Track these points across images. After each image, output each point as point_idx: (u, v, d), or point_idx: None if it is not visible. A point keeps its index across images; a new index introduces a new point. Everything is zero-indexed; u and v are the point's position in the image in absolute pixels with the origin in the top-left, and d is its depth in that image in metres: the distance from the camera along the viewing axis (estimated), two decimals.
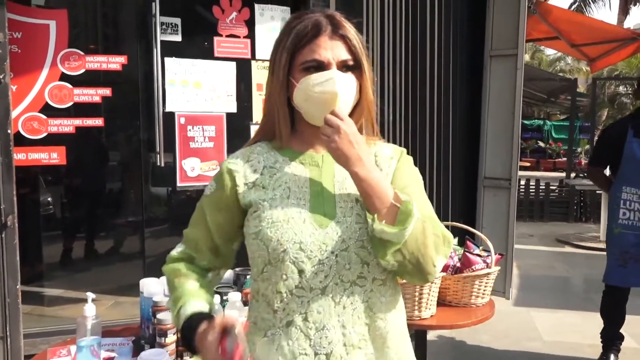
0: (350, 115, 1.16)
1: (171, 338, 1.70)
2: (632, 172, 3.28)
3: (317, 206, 1.13)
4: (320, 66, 1.13)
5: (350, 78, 1.15)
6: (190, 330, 1.08)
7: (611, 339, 3.53)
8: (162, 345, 1.69)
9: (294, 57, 1.14)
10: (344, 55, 1.15)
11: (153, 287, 1.86)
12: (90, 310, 1.70)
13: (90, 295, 1.73)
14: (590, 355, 3.62)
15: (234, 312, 1.83)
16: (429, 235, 1.07)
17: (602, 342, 3.56)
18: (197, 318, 1.10)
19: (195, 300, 1.16)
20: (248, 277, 2.06)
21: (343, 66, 1.15)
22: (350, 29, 1.17)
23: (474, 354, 3.69)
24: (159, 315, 1.73)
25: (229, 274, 2.08)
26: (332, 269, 1.09)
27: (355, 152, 1.06)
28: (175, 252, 1.31)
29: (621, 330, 3.54)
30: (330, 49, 1.13)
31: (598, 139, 3.93)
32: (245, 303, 1.97)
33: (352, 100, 1.16)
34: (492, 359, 3.61)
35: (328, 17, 1.16)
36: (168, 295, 1.85)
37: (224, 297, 1.88)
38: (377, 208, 1.06)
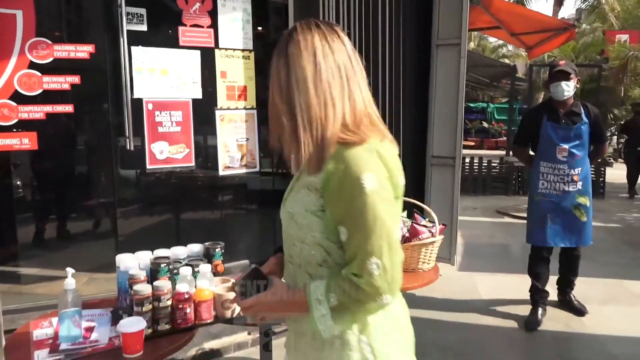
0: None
1: (147, 307, 1.75)
2: (547, 149, 3.60)
3: (285, 199, 1.28)
4: None
5: None
6: None
7: (538, 294, 3.75)
8: (140, 314, 1.73)
9: None
10: None
11: (129, 262, 1.90)
12: (70, 283, 1.73)
13: (70, 270, 1.76)
14: (522, 310, 3.85)
15: (205, 282, 1.89)
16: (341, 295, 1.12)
17: (530, 298, 3.79)
18: None
19: None
20: (217, 250, 2.12)
21: None
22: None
23: (423, 311, 3.87)
24: (136, 287, 1.77)
25: (199, 247, 2.13)
26: (284, 238, 1.27)
27: (268, 313, 1.25)
28: None
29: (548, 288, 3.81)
30: None
31: (520, 122, 4.21)
32: (214, 274, 2.03)
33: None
34: (439, 316, 3.79)
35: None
36: (143, 268, 1.90)
37: (196, 269, 1.94)
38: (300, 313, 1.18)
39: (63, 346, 1.68)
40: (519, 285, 4.40)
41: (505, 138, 14.80)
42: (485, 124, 20.98)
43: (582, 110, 3.59)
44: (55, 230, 3.84)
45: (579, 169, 3.58)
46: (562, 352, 3.29)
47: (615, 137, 15.53)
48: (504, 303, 4.04)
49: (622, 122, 6.49)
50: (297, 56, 1.15)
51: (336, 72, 1.16)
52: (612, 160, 13.76)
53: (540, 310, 3.72)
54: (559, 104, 3.59)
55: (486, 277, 4.66)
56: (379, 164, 1.12)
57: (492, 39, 23.52)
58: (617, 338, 3.43)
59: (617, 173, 12.26)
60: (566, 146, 3.56)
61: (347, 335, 1.16)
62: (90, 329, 1.79)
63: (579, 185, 3.59)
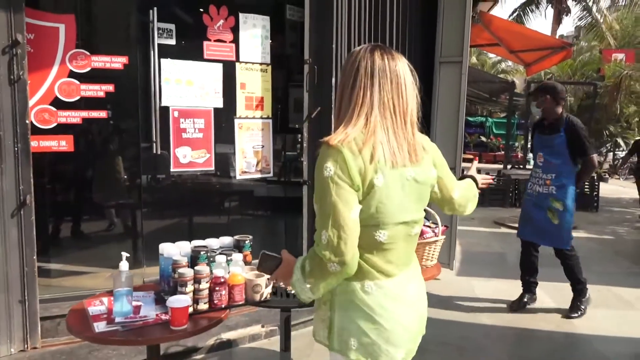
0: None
1: (190, 288, 2.01)
2: (534, 155, 4.19)
3: None
4: None
5: None
6: None
7: (524, 280, 4.21)
8: (183, 294, 2.00)
9: None
10: None
11: (172, 250, 2.16)
12: (124, 265, 1.99)
13: (125, 254, 2.01)
14: (517, 312, 4.12)
15: (238, 268, 2.16)
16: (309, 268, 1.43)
17: (522, 286, 4.25)
18: None
19: None
20: (246, 242, 2.38)
21: None
22: None
23: None
24: (180, 270, 2.03)
25: (230, 239, 2.40)
26: None
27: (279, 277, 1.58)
28: None
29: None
30: None
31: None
32: (246, 263, 2.30)
33: None
34: (439, 315, 4.04)
35: None
36: (184, 256, 2.17)
37: (229, 258, 2.20)
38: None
39: (118, 319, 1.94)
40: (514, 289, 4.66)
41: (503, 152, 15.10)
42: (483, 138, 21.29)
43: (564, 123, 3.91)
44: (86, 228, 4.11)
45: (552, 175, 3.93)
46: (553, 350, 3.54)
47: (611, 153, 15.87)
48: (499, 305, 4.29)
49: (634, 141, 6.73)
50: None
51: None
52: (607, 176, 14.09)
53: (527, 296, 4.19)
54: (545, 117, 4.04)
55: (483, 281, 4.92)
56: (338, 159, 1.36)
57: (492, 55, 23.95)
58: (605, 338, 3.68)
59: (611, 188, 12.58)
60: (541, 153, 4.01)
61: (321, 304, 1.55)
62: (138, 307, 2.05)
63: (552, 189, 3.93)
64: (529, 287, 4.22)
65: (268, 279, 1.57)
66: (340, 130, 1.41)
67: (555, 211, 3.94)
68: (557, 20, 20.64)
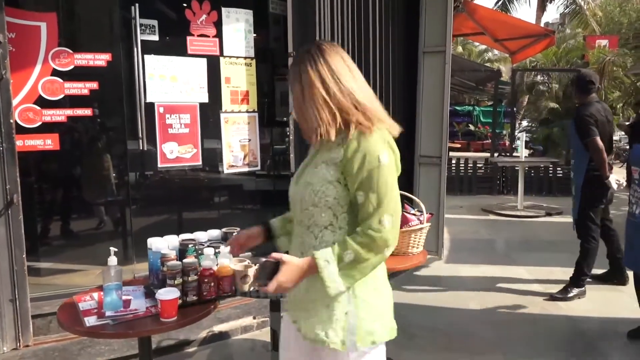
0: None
1: (178, 280, 2.04)
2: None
3: (301, 172, 1.61)
4: None
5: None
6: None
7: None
8: (172, 286, 2.03)
9: None
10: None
11: (160, 244, 2.19)
12: (113, 261, 2.01)
13: (113, 249, 2.03)
14: (503, 297, 4.19)
15: (226, 260, 2.20)
16: (354, 253, 1.42)
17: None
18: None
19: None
20: (234, 234, 2.41)
21: None
22: (293, 65, 1.55)
23: (412, 297, 4.20)
24: (168, 264, 2.06)
25: (218, 232, 2.43)
26: (294, 209, 1.60)
27: (286, 287, 1.46)
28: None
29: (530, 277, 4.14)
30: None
31: None
32: (233, 255, 2.33)
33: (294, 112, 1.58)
34: (427, 301, 4.12)
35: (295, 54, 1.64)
36: (172, 249, 2.20)
37: (217, 250, 2.24)
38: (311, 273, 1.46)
39: (108, 313, 1.97)
40: (500, 275, 4.76)
41: (490, 140, 15.22)
42: (471, 127, 21.42)
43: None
44: (74, 226, 4.12)
45: (573, 161, 4.16)
46: (538, 330, 3.63)
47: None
48: (487, 291, 4.38)
49: (629, 124, 6.38)
50: (331, 66, 1.50)
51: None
52: None
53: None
54: None
55: (471, 268, 5.00)
56: (388, 147, 1.50)
57: (478, 44, 24.05)
58: (588, 318, 3.78)
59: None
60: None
61: (333, 302, 1.47)
62: (128, 301, 2.08)
63: None
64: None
65: (263, 286, 1.45)
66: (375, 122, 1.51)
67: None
68: (542, 8, 20.77)
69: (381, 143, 1.47)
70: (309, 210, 1.52)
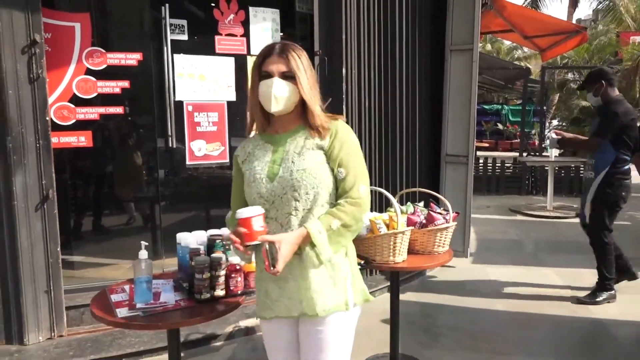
0: (300, 109, 1.68)
1: (207, 275, 2.09)
2: None
3: (271, 169, 1.68)
4: (269, 75, 1.63)
5: (283, 83, 1.62)
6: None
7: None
8: (201, 281, 2.08)
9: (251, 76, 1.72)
10: (283, 68, 1.63)
11: (188, 239, 2.24)
12: (143, 254, 2.07)
13: (144, 242, 2.09)
14: (529, 298, 4.14)
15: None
16: (343, 220, 1.63)
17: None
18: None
19: None
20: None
21: (283, 76, 1.63)
22: (293, 52, 1.64)
23: (439, 297, 4.18)
24: (197, 258, 2.11)
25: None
26: (276, 204, 1.65)
27: (286, 256, 1.58)
28: (227, 216, 1.89)
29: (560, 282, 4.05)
30: (275, 64, 1.63)
31: None
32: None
33: (285, 98, 1.63)
34: (452, 301, 4.10)
35: (281, 44, 1.66)
36: (200, 244, 2.24)
37: None
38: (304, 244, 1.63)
39: (139, 305, 2.03)
40: (527, 276, 4.69)
41: (519, 140, 14.98)
42: (500, 126, 21.10)
43: (601, 110, 3.98)
44: (105, 221, 4.25)
45: (594, 159, 3.98)
46: (564, 333, 3.57)
47: None
48: (513, 292, 4.33)
49: None
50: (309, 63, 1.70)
51: None
52: None
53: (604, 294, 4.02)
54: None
55: (497, 268, 4.94)
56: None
57: (507, 42, 23.66)
58: (620, 322, 3.70)
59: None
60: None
61: (336, 259, 1.68)
62: (157, 294, 2.14)
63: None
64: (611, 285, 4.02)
65: (276, 267, 1.57)
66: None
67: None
68: (573, 4, 20.29)
69: (349, 127, 1.74)
70: (309, 194, 1.63)
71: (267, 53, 1.66)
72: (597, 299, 3.99)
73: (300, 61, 1.64)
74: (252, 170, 1.70)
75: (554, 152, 8.40)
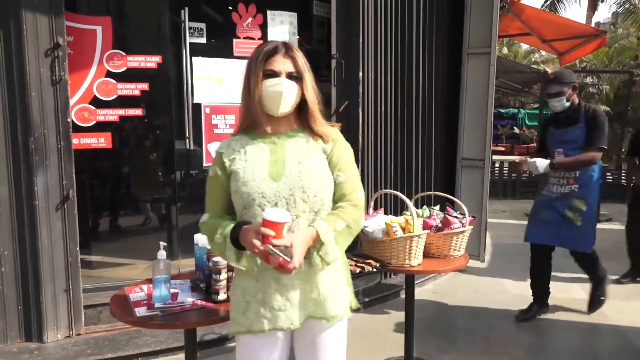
0: (297, 110, 1.66)
1: (224, 275, 2.11)
2: (548, 153, 3.72)
3: (273, 169, 1.60)
4: (274, 74, 1.58)
5: (292, 84, 1.60)
6: (238, 226, 1.56)
7: (537, 292, 3.84)
8: (217, 281, 2.10)
9: (250, 72, 1.61)
10: (290, 69, 1.59)
11: (206, 240, 2.27)
12: (162, 254, 2.10)
13: (162, 243, 2.12)
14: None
15: None
16: (346, 222, 1.61)
17: (532, 295, 3.87)
18: (242, 221, 1.60)
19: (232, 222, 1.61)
20: None
21: (289, 76, 1.59)
22: (297, 53, 1.62)
23: (454, 301, 4.16)
24: (214, 259, 2.13)
25: None
26: (280, 205, 1.57)
27: (301, 256, 1.52)
28: (202, 220, 1.73)
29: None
30: (282, 64, 1.58)
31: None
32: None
33: (293, 99, 1.61)
34: (468, 306, 4.07)
35: (284, 44, 1.62)
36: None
37: None
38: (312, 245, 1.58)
39: (157, 305, 2.06)
40: None
41: (536, 144, 14.83)
42: (516, 130, 20.90)
43: (582, 114, 3.56)
44: (122, 222, 4.31)
45: (577, 172, 3.55)
46: (585, 342, 3.52)
47: None
48: (528, 296, 4.27)
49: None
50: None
51: None
52: None
53: (534, 307, 3.84)
54: (562, 110, 3.63)
55: (513, 274, 4.89)
56: None
57: (524, 45, 23.44)
58: (637, 328, 3.64)
59: None
60: (560, 149, 3.59)
61: (337, 262, 1.66)
62: (175, 294, 2.17)
63: (575, 187, 3.56)
64: (543, 297, 3.87)
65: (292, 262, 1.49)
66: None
67: (577, 211, 3.57)
68: (593, 7, 20.04)
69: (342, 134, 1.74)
70: (317, 197, 1.60)
71: (271, 52, 1.59)
72: (602, 298, 3.95)
73: (305, 62, 1.63)
74: (248, 169, 1.59)
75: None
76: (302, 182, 1.58)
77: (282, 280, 1.60)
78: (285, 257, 1.47)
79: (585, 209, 3.56)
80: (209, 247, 2.23)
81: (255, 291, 1.62)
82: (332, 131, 1.70)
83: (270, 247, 1.47)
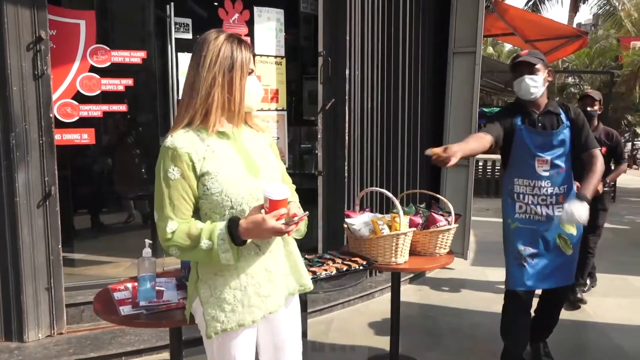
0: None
1: None
2: (523, 161, 2.70)
3: (248, 164, 1.58)
4: (250, 73, 1.60)
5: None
6: (234, 224, 1.47)
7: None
8: None
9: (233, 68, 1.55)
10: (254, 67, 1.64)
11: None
12: (147, 252, 2.07)
13: (148, 241, 2.09)
14: None
15: None
16: None
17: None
18: (235, 218, 1.50)
19: (212, 224, 1.51)
20: None
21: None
22: None
23: (439, 299, 4.19)
24: None
25: None
26: (261, 199, 1.52)
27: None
28: (171, 229, 1.55)
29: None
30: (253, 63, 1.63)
31: (491, 117, 3.03)
32: None
33: None
34: (453, 303, 4.10)
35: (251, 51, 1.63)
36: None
37: None
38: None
39: (142, 303, 2.03)
40: None
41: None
42: None
43: (561, 111, 2.74)
44: (105, 219, 4.24)
45: (565, 185, 2.70)
46: (565, 338, 3.57)
47: (630, 143, 15.67)
48: None
49: None
50: None
51: None
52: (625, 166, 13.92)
53: None
54: (532, 105, 2.72)
55: (496, 271, 4.92)
56: None
57: (508, 45, 23.67)
58: (619, 326, 3.71)
59: (629, 178, 12.45)
60: (548, 157, 2.66)
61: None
62: (161, 292, 2.14)
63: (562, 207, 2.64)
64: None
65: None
66: None
67: (567, 237, 2.72)
68: (574, 8, 20.32)
69: None
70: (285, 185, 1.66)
71: (251, 51, 1.64)
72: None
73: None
74: (227, 169, 1.53)
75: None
76: (274, 175, 1.64)
77: (269, 267, 1.62)
78: (300, 217, 1.53)
79: (576, 234, 2.74)
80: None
81: (245, 284, 1.58)
82: (258, 122, 1.76)
83: (293, 223, 1.50)
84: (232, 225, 1.48)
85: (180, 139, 1.52)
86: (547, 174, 2.68)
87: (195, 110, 1.54)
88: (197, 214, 1.59)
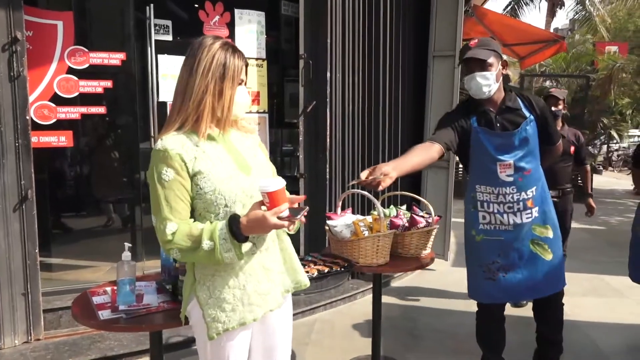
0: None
1: None
2: (484, 167, 2.45)
3: (240, 163, 1.60)
4: (241, 82, 1.62)
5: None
6: (235, 221, 1.47)
7: None
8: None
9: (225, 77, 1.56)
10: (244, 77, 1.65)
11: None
12: (127, 256, 2.04)
13: (127, 244, 2.07)
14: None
15: None
16: None
17: None
18: (235, 216, 1.49)
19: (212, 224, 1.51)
20: None
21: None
22: None
23: (420, 300, 4.22)
24: (180, 261, 2.09)
25: None
26: (255, 197, 1.54)
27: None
28: (171, 230, 1.52)
29: None
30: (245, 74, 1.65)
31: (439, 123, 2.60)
32: None
33: None
34: (434, 304, 4.13)
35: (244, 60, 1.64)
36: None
37: None
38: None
39: (121, 307, 2.00)
40: None
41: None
42: None
43: (521, 105, 2.45)
44: (84, 223, 4.18)
45: (533, 188, 2.45)
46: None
47: (605, 145, 16.00)
48: None
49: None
50: None
51: None
52: (601, 168, 14.22)
53: None
54: (487, 102, 2.43)
55: None
56: None
57: None
58: (596, 324, 3.78)
59: (605, 180, 12.72)
60: (510, 160, 2.41)
61: None
62: (141, 296, 2.12)
63: (535, 212, 2.47)
64: None
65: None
66: None
67: (542, 242, 2.52)
68: (551, 13, 20.74)
69: None
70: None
71: (244, 60, 1.63)
72: None
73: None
74: (219, 167, 1.55)
75: None
76: (265, 173, 1.66)
77: (266, 265, 1.64)
78: (302, 212, 1.51)
79: (552, 236, 2.54)
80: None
81: (244, 283, 1.58)
82: (252, 127, 1.79)
83: (296, 215, 1.49)
84: (233, 222, 1.48)
85: (170, 141, 1.54)
86: (510, 179, 2.42)
87: (187, 114, 1.56)
88: (192, 215, 1.59)
